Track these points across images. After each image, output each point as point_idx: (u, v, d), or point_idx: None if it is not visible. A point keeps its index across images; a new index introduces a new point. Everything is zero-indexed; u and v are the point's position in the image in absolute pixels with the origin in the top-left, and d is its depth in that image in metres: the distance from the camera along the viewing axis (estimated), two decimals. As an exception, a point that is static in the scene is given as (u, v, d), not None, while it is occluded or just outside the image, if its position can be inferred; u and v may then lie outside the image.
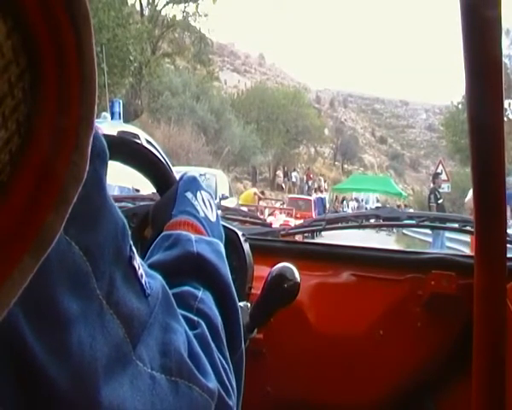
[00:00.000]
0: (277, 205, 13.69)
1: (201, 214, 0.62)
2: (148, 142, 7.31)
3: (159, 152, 5.50)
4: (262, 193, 14.60)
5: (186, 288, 0.50)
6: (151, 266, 0.51)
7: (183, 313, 0.44)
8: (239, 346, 0.53)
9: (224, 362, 0.46)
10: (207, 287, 0.52)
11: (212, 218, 0.64)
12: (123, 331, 0.32)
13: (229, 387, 0.45)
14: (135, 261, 0.34)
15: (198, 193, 0.64)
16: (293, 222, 7.60)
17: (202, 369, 0.41)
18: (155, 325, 0.36)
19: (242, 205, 10.08)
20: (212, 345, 0.45)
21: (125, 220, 0.33)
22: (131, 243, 0.34)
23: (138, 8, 20.92)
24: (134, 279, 0.34)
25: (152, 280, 0.37)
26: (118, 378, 0.31)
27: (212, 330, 0.47)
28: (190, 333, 0.42)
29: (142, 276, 0.35)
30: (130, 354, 0.33)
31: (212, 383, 0.41)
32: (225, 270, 0.54)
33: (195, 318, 0.46)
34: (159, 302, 0.37)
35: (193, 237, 0.55)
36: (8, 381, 0.27)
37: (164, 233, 0.57)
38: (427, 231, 9.16)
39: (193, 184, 0.65)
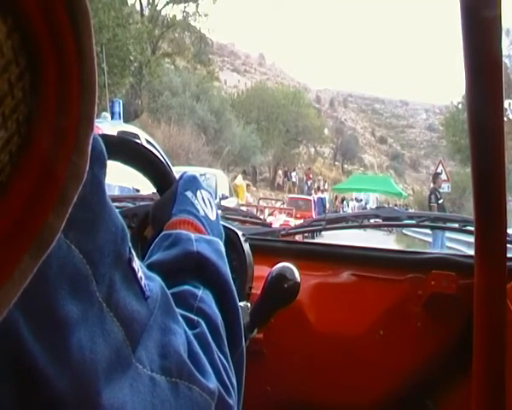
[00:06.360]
0: (277, 205, 13.68)
1: (201, 213, 0.62)
2: (148, 142, 7.31)
3: (159, 152, 5.50)
4: (248, 186, 14.92)
5: (186, 287, 0.50)
6: (151, 266, 0.51)
7: (183, 312, 0.44)
8: (239, 344, 0.53)
9: (224, 361, 0.46)
10: (207, 286, 0.52)
11: (212, 217, 0.64)
12: (123, 334, 0.32)
13: (230, 386, 0.45)
14: (134, 264, 0.34)
15: (198, 192, 0.64)
16: (293, 222, 7.60)
17: (202, 369, 0.41)
18: (154, 327, 0.36)
19: (242, 205, 10.08)
20: (212, 344, 0.45)
21: (124, 223, 0.33)
22: (130, 245, 0.34)
23: (138, 8, 20.95)
24: (133, 282, 0.34)
25: (151, 282, 0.37)
26: (118, 381, 0.31)
27: (212, 329, 0.47)
28: (190, 333, 0.42)
29: (141, 278, 0.35)
30: (130, 356, 0.33)
31: (212, 383, 0.41)
32: (225, 269, 0.54)
33: (195, 317, 0.46)
34: (158, 304, 0.37)
35: (193, 236, 0.55)
36: (9, 385, 0.27)
37: (164, 232, 0.57)
38: (427, 231, 9.16)
39: (193, 182, 0.65)
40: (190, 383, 0.39)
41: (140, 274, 0.35)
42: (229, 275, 0.55)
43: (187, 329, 0.42)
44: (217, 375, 0.43)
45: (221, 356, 0.46)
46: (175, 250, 0.53)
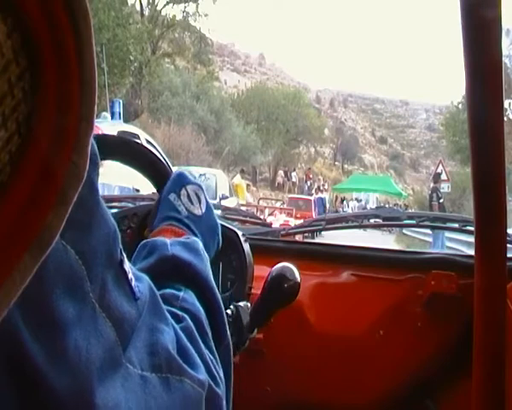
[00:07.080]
0: (277, 205, 13.69)
1: (184, 213, 0.62)
2: (148, 142, 7.31)
3: (158, 152, 5.50)
4: (248, 186, 15.05)
5: (167, 290, 0.51)
6: None
7: (169, 308, 0.45)
8: (224, 338, 0.54)
9: (209, 354, 0.47)
10: (188, 285, 0.53)
11: (199, 211, 0.64)
12: (114, 335, 0.32)
13: (217, 376, 0.46)
14: (125, 265, 0.35)
15: (182, 190, 0.64)
16: (293, 222, 7.59)
17: (192, 361, 0.42)
18: (143, 327, 0.36)
19: (242, 205, 10.08)
20: (198, 337, 0.46)
21: (116, 224, 0.34)
22: (121, 246, 0.34)
23: (138, 8, 20.91)
24: (124, 283, 0.34)
25: (140, 283, 0.38)
26: (110, 381, 0.31)
27: (197, 324, 0.48)
28: (178, 327, 0.43)
29: (131, 279, 0.35)
30: (121, 357, 0.33)
31: (202, 375, 0.42)
32: (202, 267, 0.55)
33: (180, 312, 0.47)
34: (146, 305, 0.37)
35: (168, 241, 0.56)
36: (7, 384, 0.27)
37: (142, 243, 0.58)
38: (427, 231, 9.16)
39: (177, 181, 0.65)
40: (181, 376, 0.39)
41: (130, 275, 0.35)
42: (208, 272, 0.56)
43: (175, 324, 0.43)
44: (205, 366, 0.44)
45: (206, 350, 0.47)
46: (152, 258, 0.54)
